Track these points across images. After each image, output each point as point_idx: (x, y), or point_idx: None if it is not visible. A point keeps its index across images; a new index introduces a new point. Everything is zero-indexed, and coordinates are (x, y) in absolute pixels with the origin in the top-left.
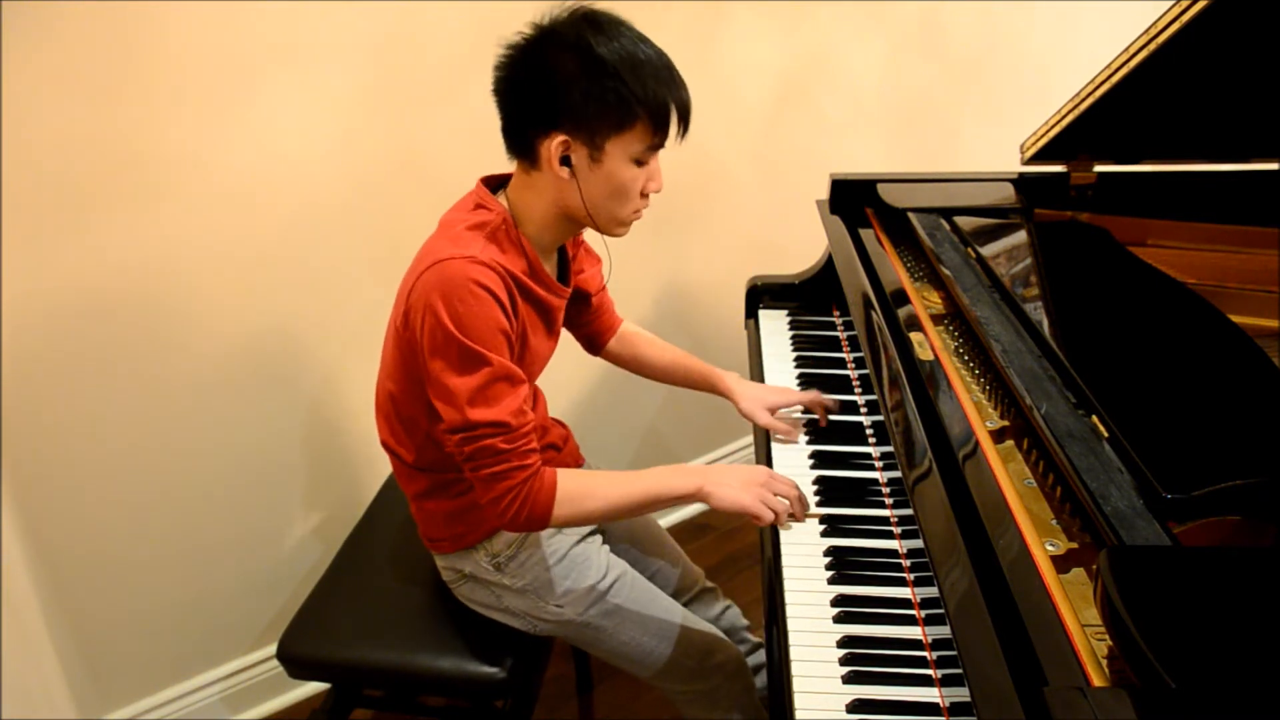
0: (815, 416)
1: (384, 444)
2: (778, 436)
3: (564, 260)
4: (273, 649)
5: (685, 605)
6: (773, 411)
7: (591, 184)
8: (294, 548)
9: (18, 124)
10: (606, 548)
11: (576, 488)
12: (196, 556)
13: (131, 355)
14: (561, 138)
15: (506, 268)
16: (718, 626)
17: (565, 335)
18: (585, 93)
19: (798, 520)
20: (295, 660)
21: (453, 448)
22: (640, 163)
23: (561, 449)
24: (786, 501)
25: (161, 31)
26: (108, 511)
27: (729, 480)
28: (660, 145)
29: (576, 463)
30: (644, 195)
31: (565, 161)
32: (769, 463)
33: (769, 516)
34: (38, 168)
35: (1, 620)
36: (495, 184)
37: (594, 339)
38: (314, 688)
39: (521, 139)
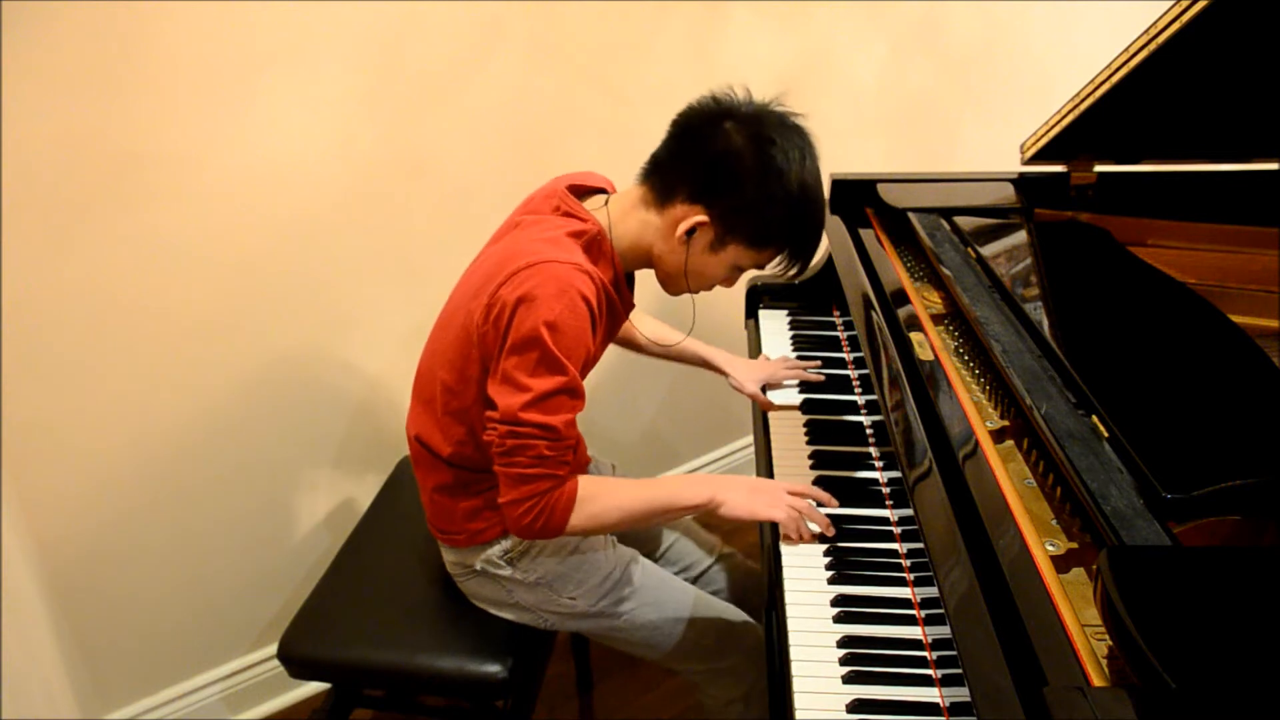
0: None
1: (414, 434)
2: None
3: (630, 277)
4: (273, 649)
5: (705, 573)
6: (763, 386)
7: (695, 261)
8: (294, 548)
9: (17, 124)
10: (614, 537)
11: (594, 498)
12: (197, 557)
13: (131, 355)
14: (703, 217)
15: (603, 279)
16: (745, 588)
17: None
18: (749, 201)
19: (820, 525)
20: (295, 660)
21: (492, 435)
22: (740, 269)
23: (577, 449)
24: (803, 505)
25: (161, 32)
26: (108, 511)
27: (740, 487)
28: (762, 267)
29: (585, 462)
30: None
31: (689, 232)
32: (769, 460)
33: (784, 518)
34: (37, 168)
35: (1, 620)
36: (580, 191)
37: None
38: (314, 688)
39: (669, 185)
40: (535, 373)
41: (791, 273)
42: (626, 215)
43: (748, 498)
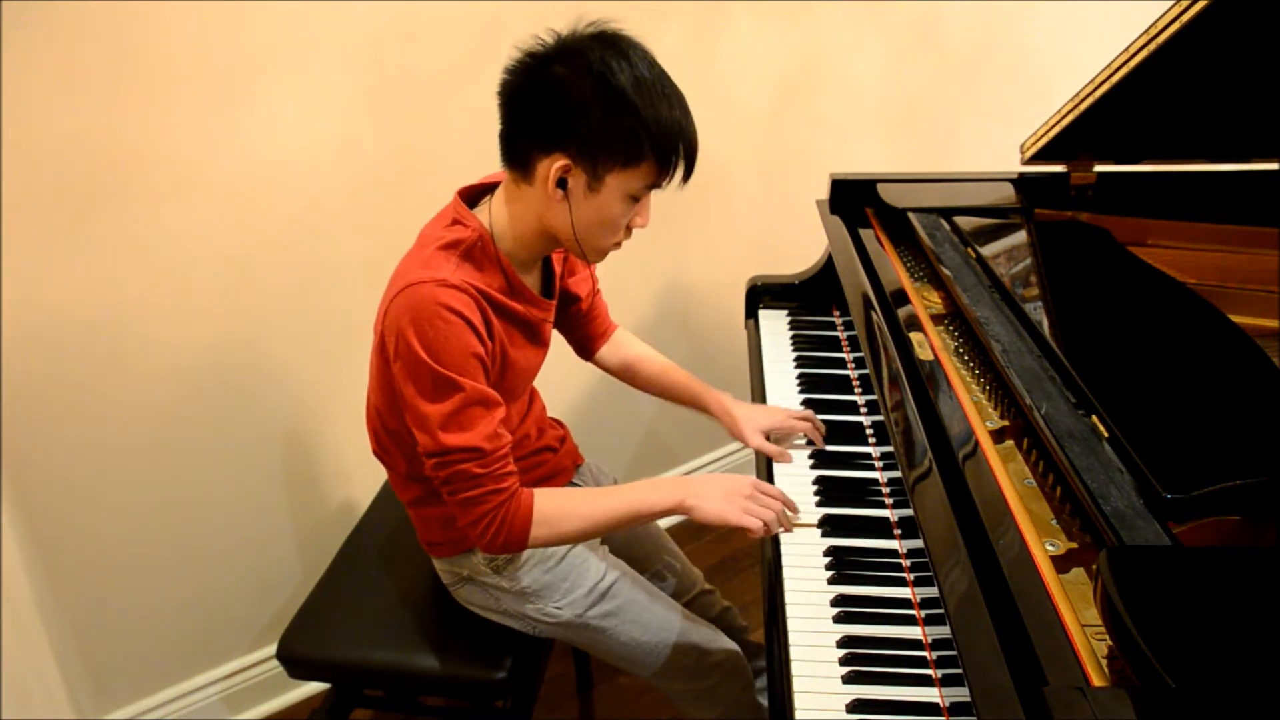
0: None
1: (376, 455)
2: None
3: (549, 270)
4: (273, 649)
5: (689, 603)
6: (766, 435)
7: (582, 211)
8: (294, 548)
9: (18, 124)
10: (605, 549)
11: (554, 509)
12: (196, 557)
13: (131, 357)
14: (564, 161)
15: (480, 288)
16: (725, 625)
17: (558, 338)
18: (598, 122)
19: (785, 529)
20: (295, 660)
21: (429, 471)
22: (635, 199)
23: (558, 449)
24: (774, 509)
25: (161, 32)
26: (107, 512)
27: (711, 491)
28: (658, 186)
29: (575, 462)
30: (628, 229)
31: (561, 184)
32: (769, 466)
33: (755, 526)
34: (37, 169)
35: (1, 620)
36: (475, 193)
37: (585, 344)
38: (314, 688)
39: (521, 151)
40: (434, 397)
41: (679, 178)
42: (505, 206)
43: (719, 504)
